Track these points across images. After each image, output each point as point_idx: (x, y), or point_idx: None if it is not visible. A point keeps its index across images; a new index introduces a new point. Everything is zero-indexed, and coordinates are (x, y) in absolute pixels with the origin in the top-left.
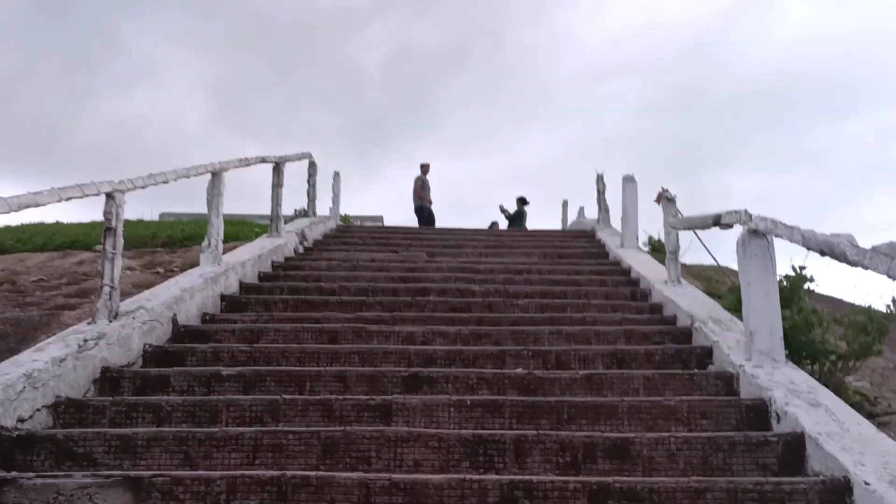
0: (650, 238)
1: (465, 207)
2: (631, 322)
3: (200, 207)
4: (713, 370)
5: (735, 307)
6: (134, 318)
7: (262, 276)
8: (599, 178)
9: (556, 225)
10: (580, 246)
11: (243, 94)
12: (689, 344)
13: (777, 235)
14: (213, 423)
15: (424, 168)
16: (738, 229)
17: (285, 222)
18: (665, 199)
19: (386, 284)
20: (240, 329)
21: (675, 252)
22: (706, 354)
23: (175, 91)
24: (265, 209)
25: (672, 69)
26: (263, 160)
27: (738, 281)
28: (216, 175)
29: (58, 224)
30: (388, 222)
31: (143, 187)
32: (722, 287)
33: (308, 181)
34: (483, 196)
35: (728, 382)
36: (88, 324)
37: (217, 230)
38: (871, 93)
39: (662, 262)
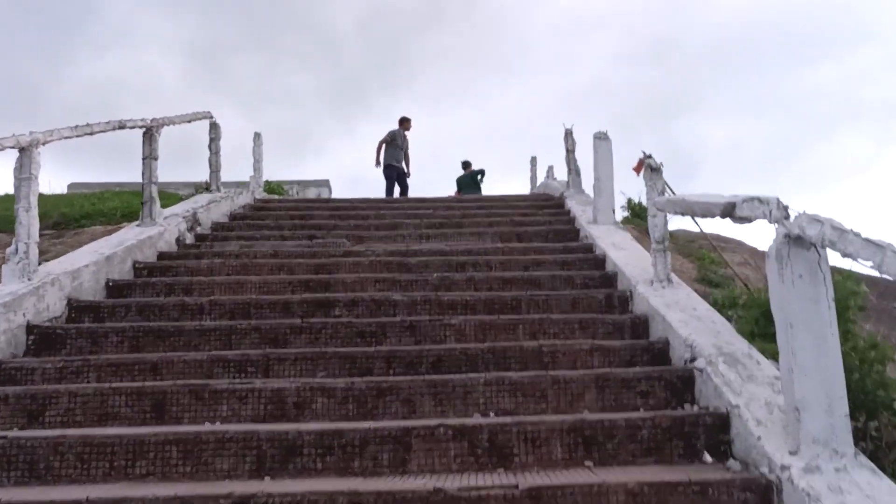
0: (629, 202)
1: (443, 161)
2: (605, 354)
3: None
4: (736, 470)
5: (757, 332)
6: None
7: (112, 287)
8: (568, 135)
9: (525, 185)
10: (545, 220)
11: (220, 56)
12: (693, 405)
13: (847, 254)
14: None
15: (401, 122)
16: (765, 228)
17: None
18: (648, 167)
19: (277, 296)
20: (20, 395)
21: (663, 241)
22: (720, 428)
23: (151, 53)
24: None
25: (647, 21)
26: (121, 126)
27: (736, 262)
28: (24, 151)
29: None
30: (352, 184)
31: None
32: (716, 269)
33: (209, 147)
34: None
35: (764, 499)
36: None
37: (28, 229)
38: (836, 39)
39: (645, 234)
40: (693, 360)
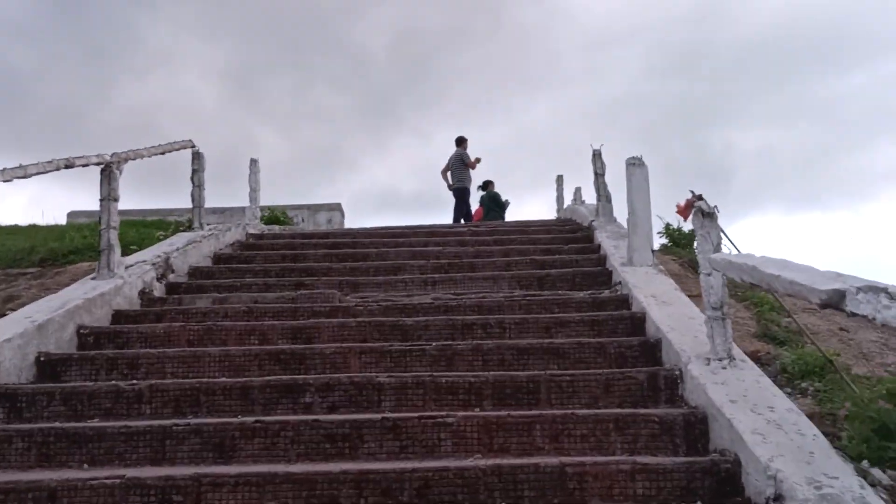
0: (667, 227)
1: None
2: (652, 479)
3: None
4: None
5: (869, 454)
6: None
7: (44, 363)
8: (596, 157)
9: (551, 202)
10: (571, 258)
11: (254, 78)
12: None
13: None
14: None
15: (457, 143)
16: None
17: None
18: (699, 212)
19: (237, 377)
20: None
21: (722, 307)
22: None
23: (189, 77)
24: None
25: (674, 33)
26: (68, 165)
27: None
28: None
29: None
30: (387, 200)
31: None
32: (778, 319)
33: (192, 178)
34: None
35: None
36: None
37: None
38: (872, 44)
39: (687, 267)
40: (778, 500)
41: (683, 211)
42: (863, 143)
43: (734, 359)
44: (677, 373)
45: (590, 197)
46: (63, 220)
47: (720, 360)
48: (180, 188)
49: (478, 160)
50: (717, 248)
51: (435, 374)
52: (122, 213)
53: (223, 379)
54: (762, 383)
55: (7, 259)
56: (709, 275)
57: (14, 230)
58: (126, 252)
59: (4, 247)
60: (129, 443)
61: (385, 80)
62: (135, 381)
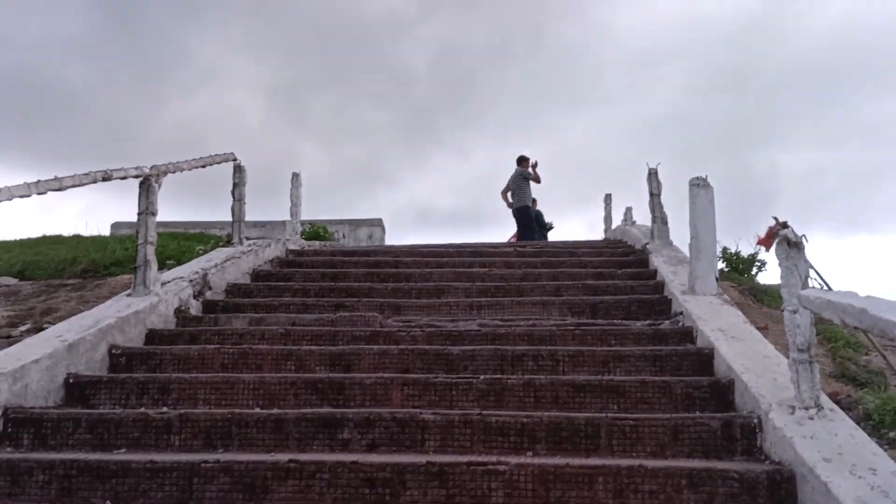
0: (724, 251)
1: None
2: None
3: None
4: None
5: None
6: None
7: (73, 385)
8: (652, 175)
9: (595, 221)
10: (626, 284)
11: (299, 95)
12: None
13: None
14: None
15: (518, 162)
16: None
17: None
18: (784, 241)
19: (271, 408)
20: None
21: (809, 349)
22: None
23: (235, 94)
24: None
25: (720, 52)
26: (105, 178)
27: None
28: None
29: None
30: (422, 217)
31: None
32: (856, 357)
33: (232, 193)
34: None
35: None
36: None
37: None
38: None
39: (747, 295)
40: None
41: (765, 241)
42: None
43: (822, 408)
44: (756, 421)
45: (640, 217)
46: (107, 231)
47: (807, 408)
48: (223, 200)
49: (535, 165)
50: (805, 283)
51: (484, 412)
52: (163, 224)
53: (257, 410)
54: (858, 438)
55: (49, 269)
56: (794, 312)
57: (58, 240)
58: (164, 267)
59: (47, 257)
60: (155, 479)
61: (426, 97)
62: (164, 410)
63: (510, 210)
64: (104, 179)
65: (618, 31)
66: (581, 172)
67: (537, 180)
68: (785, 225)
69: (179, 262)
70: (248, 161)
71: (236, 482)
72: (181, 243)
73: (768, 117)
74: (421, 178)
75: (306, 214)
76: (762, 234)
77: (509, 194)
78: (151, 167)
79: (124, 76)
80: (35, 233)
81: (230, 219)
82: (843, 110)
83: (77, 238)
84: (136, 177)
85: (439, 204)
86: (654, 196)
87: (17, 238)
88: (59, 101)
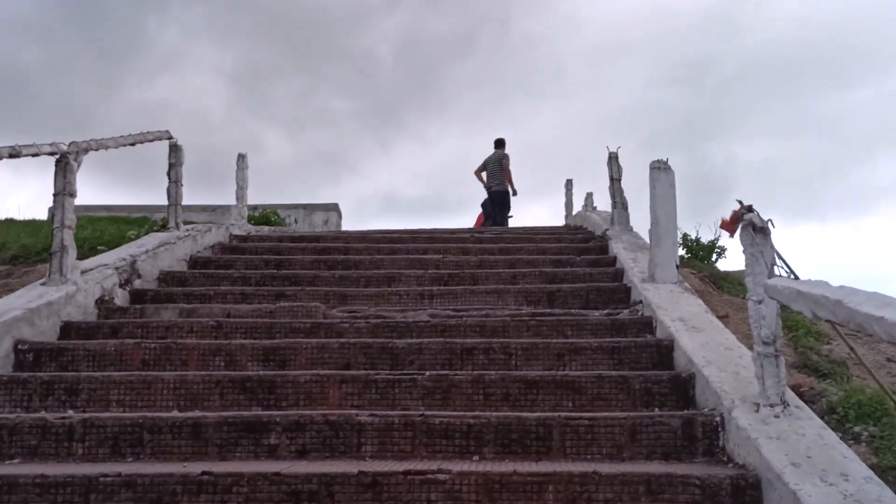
0: (684, 237)
1: (473, 183)
2: None
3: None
4: None
5: None
6: None
7: None
8: (612, 160)
9: (556, 210)
10: (584, 272)
11: (261, 83)
12: None
13: None
14: None
15: (497, 144)
16: None
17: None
18: (749, 226)
19: (190, 411)
20: None
21: (775, 341)
22: None
23: (196, 80)
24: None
25: (679, 46)
26: (13, 155)
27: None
28: None
29: None
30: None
31: None
32: (818, 346)
33: (168, 174)
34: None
35: None
36: None
37: None
38: (876, 60)
39: (706, 282)
40: None
41: (729, 225)
42: (864, 157)
43: (788, 405)
44: (718, 419)
45: (601, 203)
46: (44, 216)
47: (772, 406)
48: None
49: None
50: (772, 271)
51: (427, 412)
52: (105, 208)
53: (172, 413)
54: (826, 439)
55: None
56: (759, 302)
57: None
58: (95, 254)
59: None
60: (46, 496)
61: (391, 86)
62: (67, 414)
63: (484, 189)
64: (11, 156)
65: (581, 23)
66: (544, 163)
67: (509, 179)
68: (750, 209)
69: (111, 247)
70: (209, 146)
71: (139, 499)
72: (121, 227)
73: (726, 109)
74: (385, 166)
75: (262, 199)
76: (727, 218)
77: (484, 174)
78: (70, 143)
79: (81, 60)
80: None
81: (206, 203)
82: (797, 103)
83: (9, 222)
84: (52, 154)
85: (403, 191)
86: (615, 181)
87: None
88: (14, 84)
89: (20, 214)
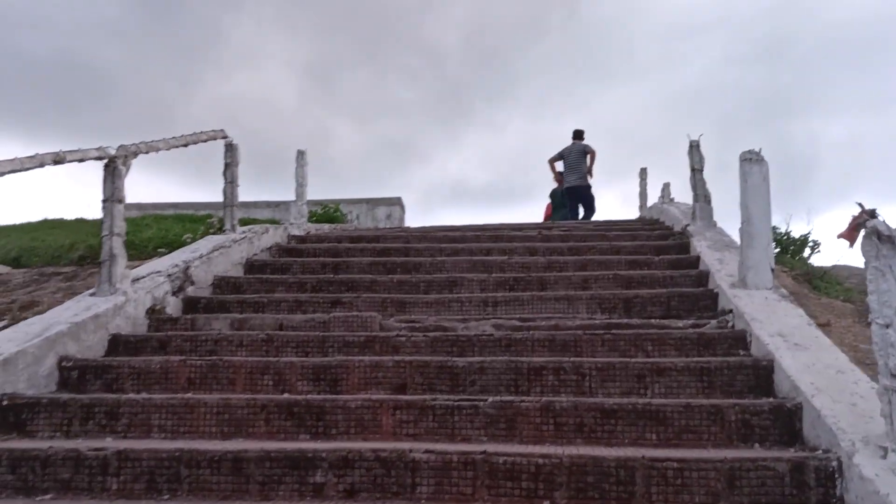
0: (773, 230)
1: (543, 169)
2: None
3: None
4: None
5: None
6: None
7: (6, 408)
8: (693, 149)
9: (629, 197)
10: (664, 275)
11: (332, 75)
12: None
13: None
14: None
15: (577, 135)
16: None
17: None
18: (873, 233)
19: (231, 440)
20: None
21: None
22: None
23: (270, 73)
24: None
25: (757, 23)
26: (57, 161)
27: None
28: None
29: None
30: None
31: None
32: None
33: (224, 174)
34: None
35: None
36: None
37: None
38: None
39: (800, 281)
40: None
41: (848, 234)
42: None
43: None
44: (835, 464)
45: (677, 194)
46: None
47: None
48: (244, 178)
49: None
50: None
51: (490, 448)
52: (172, 206)
53: (212, 445)
54: None
55: (45, 256)
56: (887, 326)
57: (58, 224)
58: (158, 255)
59: (45, 243)
60: None
61: (458, 73)
62: (101, 446)
63: (555, 181)
64: (56, 163)
65: (653, 3)
66: (615, 146)
67: (590, 171)
68: (873, 214)
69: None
70: (282, 139)
71: None
72: (186, 226)
73: (805, 87)
74: (453, 154)
75: (326, 194)
76: (845, 230)
77: (559, 165)
78: (118, 147)
79: (161, 58)
80: (37, 216)
81: (244, 199)
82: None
83: (79, 222)
84: (99, 158)
85: (472, 179)
86: (696, 171)
87: (18, 222)
88: (98, 83)
89: (90, 214)
